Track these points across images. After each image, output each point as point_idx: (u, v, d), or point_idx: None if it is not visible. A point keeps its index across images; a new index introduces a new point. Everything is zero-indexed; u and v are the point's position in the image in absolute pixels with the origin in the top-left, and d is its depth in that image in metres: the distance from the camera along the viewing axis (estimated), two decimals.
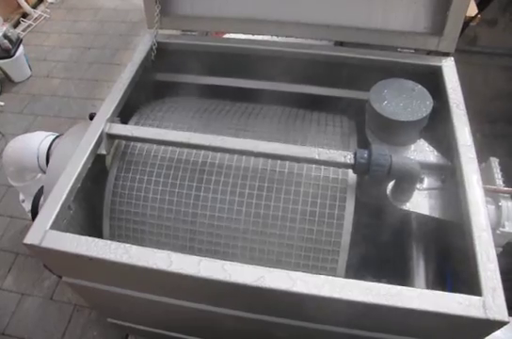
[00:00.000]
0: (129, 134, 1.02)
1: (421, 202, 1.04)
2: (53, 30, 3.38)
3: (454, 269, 1.06)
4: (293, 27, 1.27)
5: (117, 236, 1.09)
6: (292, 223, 1.01)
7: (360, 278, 1.12)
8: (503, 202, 1.14)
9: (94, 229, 1.11)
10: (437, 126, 1.13)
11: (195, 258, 0.82)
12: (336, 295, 0.79)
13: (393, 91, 1.09)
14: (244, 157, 1.04)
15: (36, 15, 3.49)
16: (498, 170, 1.23)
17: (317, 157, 0.95)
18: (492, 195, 1.16)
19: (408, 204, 1.03)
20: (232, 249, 1.04)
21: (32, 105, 2.72)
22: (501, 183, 1.19)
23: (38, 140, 1.45)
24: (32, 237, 0.86)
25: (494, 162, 1.24)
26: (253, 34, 1.31)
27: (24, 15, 3.48)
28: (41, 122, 2.60)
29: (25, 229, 2.02)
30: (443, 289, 1.05)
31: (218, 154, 1.05)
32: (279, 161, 1.03)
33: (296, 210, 1.01)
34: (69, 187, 0.93)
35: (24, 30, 3.35)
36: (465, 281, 0.94)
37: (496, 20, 1.81)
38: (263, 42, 1.31)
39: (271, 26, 1.28)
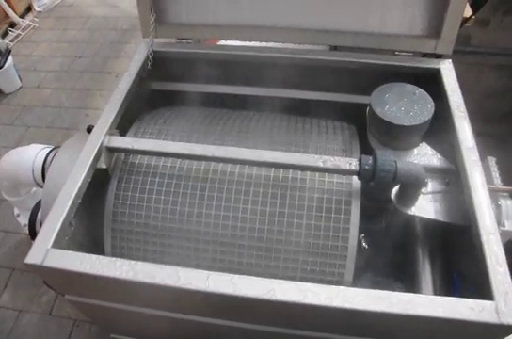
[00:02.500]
0: (129, 146, 1.00)
1: (426, 206, 1.03)
2: (42, 39, 3.34)
3: (461, 273, 1.05)
4: (290, 33, 1.27)
5: (119, 249, 1.07)
6: (298, 229, 1.00)
7: (369, 282, 1.13)
8: (502, 201, 1.14)
9: (95, 243, 1.09)
10: (438, 129, 1.13)
11: (203, 273, 0.80)
12: (348, 305, 0.77)
13: (395, 96, 1.08)
14: (247, 166, 1.03)
15: (24, 25, 3.45)
16: (495, 169, 1.23)
17: (322, 165, 0.94)
18: (491, 194, 1.16)
19: (413, 209, 1.03)
20: (238, 257, 1.02)
21: (23, 117, 2.68)
22: (499, 182, 1.19)
23: (32, 154, 1.42)
24: (33, 257, 0.83)
25: (491, 161, 1.24)
26: (250, 40, 1.30)
27: (12, 25, 3.42)
28: (34, 134, 2.55)
29: (21, 243, 2.01)
30: (451, 293, 1.05)
31: (220, 164, 1.03)
32: (282, 169, 1.02)
33: (302, 215, 1.00)
34: (69, 203, 0.91)
35: (12, 40, 3.30)
36: (474, 285, 0.94)
37: (488, 20, 1.82)
38: (259, 49, 1.30)
39: (267, 33, 1.28)
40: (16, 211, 1.81)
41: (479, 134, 1.09)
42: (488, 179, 1.19)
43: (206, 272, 0.81)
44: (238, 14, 1.28)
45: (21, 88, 2.88)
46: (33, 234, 1.40)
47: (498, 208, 1.13)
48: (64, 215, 0.89)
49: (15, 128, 2.60)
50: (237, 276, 0.80)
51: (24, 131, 2.58)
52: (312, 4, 1.24)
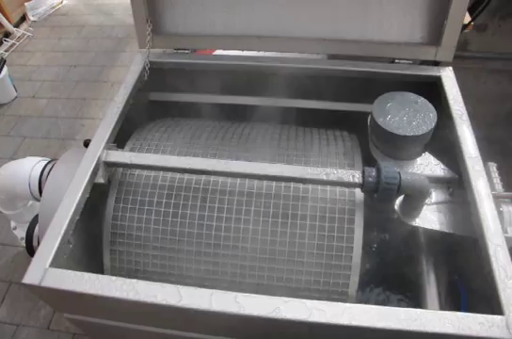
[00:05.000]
0: (127, 161, 0.98)
1: (430, 217, 1.01)
2: (37, 49, 3.32)
3: (468, 286, 1.04)
4: (287, 42, 1.25)
5: (118, 269, 1.05)
6: (301, 239, 0.98)
7: (373, 296, 1.11)
8: (504, 208, 1.12)
9: (94, 260, 1.06)
10: (440, 138, 1.12)
11: (205, 291, 0.78)
12: (355, 323, 0.75)
13: (396, 105, 1.07)
14: (247, 180, 1.01)
15: (19, 34, 3.43)
16: (496, 175, 1.21)
17: (325, 178, 0.92)
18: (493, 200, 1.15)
19: (417, 220, 1.01)
20: (241, 269, 1.00)
21: (19, 127, 2.66)
22: (500, 187, 1.18)
23: (29, 167, 1.40)
24: (31, 277, 0.80)
25: (492, 167, 1.23)
26: (247, 50, 1.29)
27: (7, 34, 3.41)
28: (30, 144, 2.53)
29: (18, 256, 1.98)
30: (457, 306, 1.03)
31: (220, 185, 1.01)
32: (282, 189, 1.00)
33: (305, 226, 0.98)
34: (67, 221, 0.88)
35: (7, 50, 3.28)
36: (482, 298, 0.92)
37: (486, 25, 1.82)
38: (257, 58, 1.28)
39: (265, 42, 1.26)
40: (13, 224, 1.78)
41: (478, 139, 1.08)
42: (490, 185, 1.17)
43: (209, 291, 0.78)
44: (235, 24, 1.27)
45: (16, 98, 2.86)
46: (30, 248, 1.38)
47: (500, 215, 1.12)
48: (62, 232, 0.87)
49: (11, 139, 2.58)
50: (241, 294, 0.78)
51: (20, 142, 2.56)
52: (310, 13, 1.22)
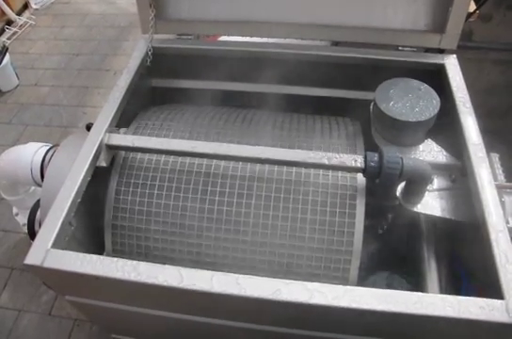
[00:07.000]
0: (130, 144, 0.98)
1: (432, 204, 1.02)
2: (39, 37, 3.31)
3: (469, 271, 1.04)
4: (291, 28, 1.24)
5: (120, 245, 1.05)
6: (303, 215, 0.98)
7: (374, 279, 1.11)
8: (505, 198, 1.13)
9: (95, 243, 1.07)
10: (443, 125, 1.11)
11: (207, 273, 0.79)
12: (355, 305, 0.76)
13: (399, 91, 1.06)
14: (249, 164, 1.01)
15: (21, 22, 3.42)
16: (499, 166, 1.21)
17: (327, 162, 0.92)
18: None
19: (419, 206, 1.01)
20: (242, 253, 1.00)
21: (21, 115, 2.65)
22: (502, 178, 1.18)
23: (31, 152, 1.40)
24: (33, 257, 0.81)
25: (494, 157, 1.23)
26: (251, 36, 1.28)
27: (9, 22, 3.39)
28: (31, 132, 2.53)
29: (20, 243, 1.99)
30: (458, 292, 1.03)
31: (223, 162, 1.01)
32: (285, 166, 1.00)
33: (306, 210, 0.98)
34: (69, 203, 0.89)
35: (9, 38, 3.27)
36: (483, 283, 0.92)
37: (491, 15, 1.80)
38: (260, 45, 1.28)
39: (269, 28, 1.26)
40: (15, 210, 1.79)
41: (481, 130, 1.08)
42: (492, 176, 1.17)
43: (210, 272, 0.79)
44: (239, 9, 1.26)
45: (18, 86, 2.86)
46: (32, 233, 1.39)
47: (502, 205, 1.12)
48: (64, 214, 0.87)
49: (13, 126, 2.58)
50: (242, 276, 0.78)
51: (22, 129, 2.56)
52: None
